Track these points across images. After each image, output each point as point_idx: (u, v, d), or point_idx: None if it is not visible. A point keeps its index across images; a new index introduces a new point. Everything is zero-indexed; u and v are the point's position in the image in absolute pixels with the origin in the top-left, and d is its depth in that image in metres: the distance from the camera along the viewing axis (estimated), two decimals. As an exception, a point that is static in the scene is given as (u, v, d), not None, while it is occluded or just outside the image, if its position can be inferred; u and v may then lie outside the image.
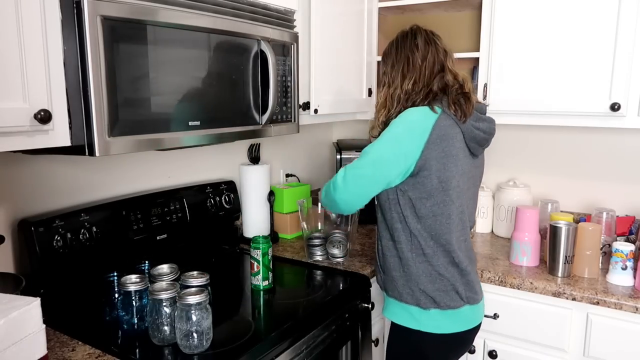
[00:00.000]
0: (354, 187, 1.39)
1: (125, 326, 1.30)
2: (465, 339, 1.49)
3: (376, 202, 1.51)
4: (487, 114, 1.48)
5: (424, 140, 1.34)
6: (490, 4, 1.92)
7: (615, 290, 1.59)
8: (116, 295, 1.35)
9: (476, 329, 1.50)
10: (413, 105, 1.42)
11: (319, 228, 1.92)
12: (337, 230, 1.86)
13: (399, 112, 1.43)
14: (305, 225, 1.89)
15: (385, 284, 1.51)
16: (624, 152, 2.04)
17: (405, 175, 1.37)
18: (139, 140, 1.20)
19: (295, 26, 1.72)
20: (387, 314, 1.53)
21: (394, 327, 1.50)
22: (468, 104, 1.39)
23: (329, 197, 1.46)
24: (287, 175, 2.33)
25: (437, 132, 1.34)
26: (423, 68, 1.44)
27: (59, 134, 1.09)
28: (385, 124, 1.45)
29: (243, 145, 2.11)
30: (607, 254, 1.72)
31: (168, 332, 1.22)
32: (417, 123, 1.35)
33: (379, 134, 1.43)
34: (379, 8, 2.22)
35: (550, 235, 1.73)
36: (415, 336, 1.44)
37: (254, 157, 2.06)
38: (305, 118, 1.86)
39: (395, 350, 1.51)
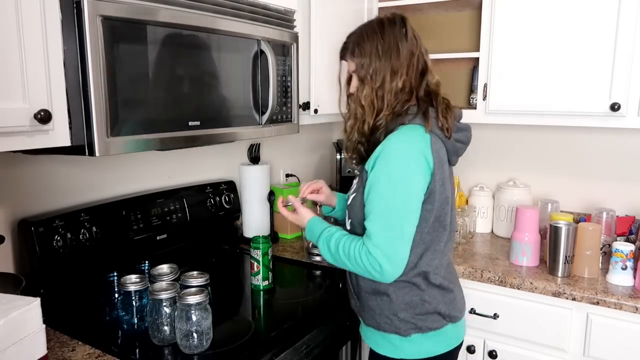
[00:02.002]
0: (401, 257, 1.18)
1: (125, 326, 1.30)
2: (448, 359, 1.35)
3: (347, 218, 1.35)
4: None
5: (430, 170, 1.20)
6: (490, 4, 1.92)
7: (615, 290, 1.59)
8: (116, 295, 1.35)
9: (459, 347, 1.38)
10: (393, 110, 1.23)
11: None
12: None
13: (386, 123, 1.23)
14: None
15: (361, 311, 1.37)
16: (624, 152, 2.04)
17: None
18: (139, 140, 1.20)
19: (295, 26, 1.72)
20: (366, 340, 1.39)
21: (373, 354, 1.35)
22: (451, 115, 1.26)
23: (370, 277, 1.22)
24: (287, 175, 2.33)
25: (436, 158, 1.20)
26: (412, 64, 1.24)
27: (59, 134, 1.09)
28: (371, 129, 1.24)
29: (243, 145, 2.11)
30: (607, 254, 1.72)
31: (168, 332, 1.22)
32: (420, 152, 1.18)
33: (360, 141, 1.27)
34: (379, 8, 2.22)
35: (550, 235, 1.73)
36: None
37: (254, 157, 2.06)
38: (305, 118, 1.86)
39: None
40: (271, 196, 2.05)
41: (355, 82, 1.29)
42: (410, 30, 1.26)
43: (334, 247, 1.24)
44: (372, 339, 1.35)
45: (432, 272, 1.27)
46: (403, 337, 1.27)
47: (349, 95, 1.33)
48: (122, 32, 1.13)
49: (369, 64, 1.24)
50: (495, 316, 1.75)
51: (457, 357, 1.39)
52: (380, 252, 1.16)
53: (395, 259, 1.17)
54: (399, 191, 1.17)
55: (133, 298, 1.29)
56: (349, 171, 2.34)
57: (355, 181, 1.35)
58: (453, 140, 1.26)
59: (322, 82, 1.91)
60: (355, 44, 1.27)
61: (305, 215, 1.37)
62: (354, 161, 1.36)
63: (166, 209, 1.72)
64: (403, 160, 1.17)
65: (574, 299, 1.61)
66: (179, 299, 1.18)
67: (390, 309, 1.27)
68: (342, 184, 2.38)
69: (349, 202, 1.34)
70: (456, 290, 1.36)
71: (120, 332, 1.30)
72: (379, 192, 1.18)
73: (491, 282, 1.74)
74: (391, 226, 1.17)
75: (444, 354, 1.31)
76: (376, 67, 1.23)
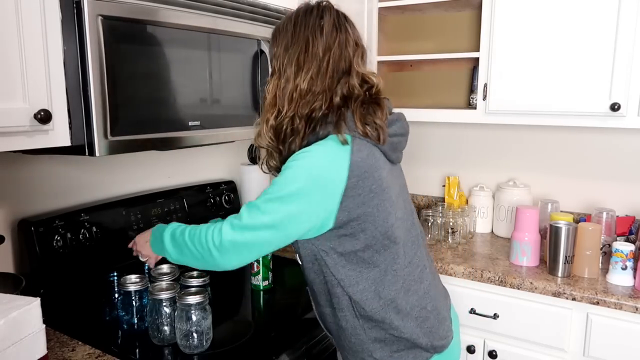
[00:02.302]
0: (244, 253, 1.06)
1: (125, 326, 1.30)
2: None
3: (299, 261, 1.18)
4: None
5: (339, 192, 1.03)
6: (490, 4, 1.92)
7: (615, 290, 1.59)
8: (116, 295, 1.35)
9: None
10: (310, 115, 1.07)
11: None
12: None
13: (293, 124, 1.07)
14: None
15: (337, 345, 1.23)
16: (624, 152, 2.04)
17: (319, 232, 1.06)
18: (139, 140, 1.20)
19: (295, 26, 1.71)
20: None
21: None
22: (379, 115, 1.08)
23: (194, 253, 1.09)
24: (287, 175, 2.33)
25: (356, 172, 1.03)
26: (325, 62, 1.06)
27: (59, 134, 1.09)
28: (276, 133, 1.10)
29: (243, 145, 2.11)
30: (607, 254, 1.72)
31: (168, 332, 1.22)
32: (327, 172, 1.02)
33: (269, 147, 1.13)
34: (379, 8, 2.22)
35: (550, 235, 1.73)
36: None
37: (254, 157, 2.06)
38: (305, 118, 1.86)
39: None
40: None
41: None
42: (330, 22, 1.09)
43: (178, 234, 1.13)
44: None
45: (400, 298, 1.11)
46: None
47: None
48: (122, 32, 1.13)
49: (278, 55, 1.10)
50: (495, 316, 1.75)
51: None
52: (232, 233, 1.05)
53: (239, 249, 1.05)
54: (288, 198, 1.04)
55: (133, 298, 1.30)
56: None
57: None
58: (388, 138, 1.11)
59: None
60: (275, 30, 1.14)
61: (146, 234, 1.25)
62: (270, 171, 1.21)
63: (166, 209, 1.72)
64: (307, 175, 1.03)
65: (574, 299, 1.61)
66: (179, 299, 1.18)
67: (363, 349, 1.13)
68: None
69: None
70: (436, 314, 1.17)
71: (120, 332, 1.30)
72: (271, 189, 1.07)
73: (491, 282, 1.74)
74: (257, 221, 1.05)
75: None
76: (283, 61, 1.09)
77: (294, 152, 1.08)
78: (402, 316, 1.12)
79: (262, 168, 1.22)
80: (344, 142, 1.03)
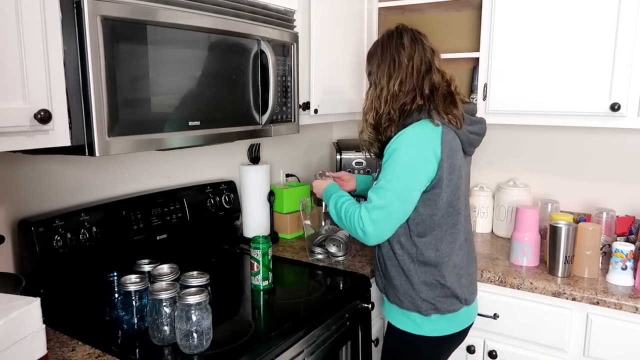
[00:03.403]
0: (385, 227, 1.35)
1: (125, 326, 1.30)
2: (461, 336, 1.52)
3: None
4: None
5: (437, 160, 1.34)
6: (490, 4, 1.92)
7: (615, 290, 1.59)
8: (116, 295, 1.35)
9: (470, 326, 1.53)
10: (403, 108, 1.39)
11: (321, 227, 1.92)
12: (338, 229, 1.86)
13: (389, 115, 1.40)
14: (307, 224, 1.89)
15: (386, 289, 1.52)
16: (624, 152, 2.04)
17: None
18: (139, 140, 1.20)
19: (295, 26, 1.72)
20: (387, 316, 1.54)
21: (393, 328, 1.51)
22: (456, 108, 1.38)
23: (347, 227, 1.42)
24: (287, 175, 2.33)
25: (446, 148, 1.34)
26: (410, 67, 1.40)
27: (59, 134, 1.09)
28: (375, 128, 1.43)
29: (243, 145, 2.11)
30: (607, 254, 1.72)
31: (168, 332, 1.22)
32: (427, 144, 1.34)
33: (370, 139, 1.45)
34: (379, 8, 2.22)
35: (550, 235, 1.73)
36: (414, 338, 1.46)
37: (254, 157, 2.06)
38: (305, 118, 1.86)
39: (393, 348, 1.53)
40: (271, 196, 2.05)
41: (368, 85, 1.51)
42: (409, 38, 1.42)
43: (339, 205, 1.44)
44: (394, 315, 1.50)
45: (450, 255, 1.41)
46: (424, 316, 1.43)
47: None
48: (122, 32, 1.13)
49: (373, 72, 1.46)
50: (495, 316, 1.75)
51: (467, 333, 1.54)
52: (369, 216, 1.33)
53: (379, 226, 1.34)
54: (400, 174, 1.33)
55: (133, 298, 1.29)
56: (349, 171, 2.34)
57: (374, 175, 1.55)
58: (466, 132, 1.40)
59: (322, 82, 1.91)
60: (368, 54, 1.49)
61: (326, 183, 1.59)
62: (372, 155, 1.54)
63: (166, 209, 1.72)
64: (408, 151, 1.33)
65: (574, 299, 1.61)
66: (179, 299, 1.18)
67: (414, 289, 1.42)
68: (342, 184, 2.37)
69: None
70: (472, 274, 1.51)
71: (120, 332, 1.30)
72: (385, 173, 1.35)
73: (491, 282, 1.74)
74: (385, 199, 1.33)
75: (458, 333, 1.47)
76: (376, 76, 1.44)
77: (390, 137, 1.38)
78: (448, 268, 1.42)
79: (366, 155, 1.57)
80: (437, 125, 1.34)
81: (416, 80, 1.39)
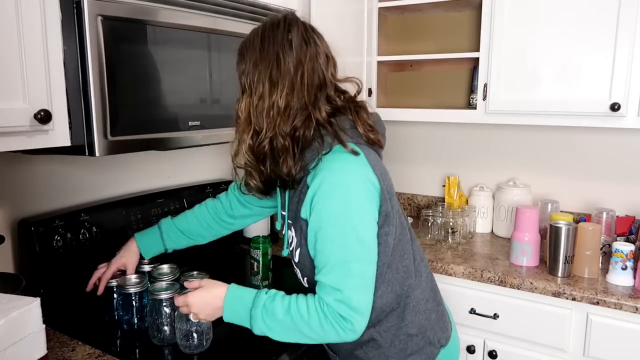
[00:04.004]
0: (365, 305, 1.00)
1: (125, 326, 1.30)
2: None
3: (301, 277, 1.21)
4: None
5: (378, 193, 1.04)
6: (490, 4, 1.92)
7: (615, 290, 1.59)
8: (116, 296, 1.35)
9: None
10: (294, 134, 1.02)
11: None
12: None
13: (271, 140, 1.02)
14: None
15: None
16: (624, 152, 2.04)
17: None
18: (139, 140, 1.20)
19: (295, 26, 1.71)
20: None
21: None
22: (367, 116, 1.10)
23: (341, 341, 1.02)
24: (287, 175, 2.33)
25: (379, 173, 1.05)
26: (298, 77, 1.02)
27: (59, 134, 1.09)
28: (255, 152, 1.05)
29: (243, 145, 2.11)
30: (607, 254, 1.72)
31: (168, 332, 1.22)
32: (364, 177, 1.01)
33: (248, 166, 1.08)
34: (379, 8, 2.22)
35: (550, 235, 1.73)
36: None
37: (254, 157, 2.06)
38: (305, 118, 1.86)
39: None
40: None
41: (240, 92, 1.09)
42: (299, 35, 1.04)
43: (283, 313, 1.01)
44: None
45: (416, 296, 1.14)
46: None
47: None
48: (122, 32, 1.13)
49: (247, 72, 1.05)
50: (495, 316, 1.75)
51: None
52: (347, 307, 0.98)
53: (363, 310, 0.99)
54: (350, 232, 0.98)
55: (133, 298, 1.29)
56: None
57: (290, 235, 1.14)
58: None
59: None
60: (242, 46, 1.08)
61: (214, 289, 1.08)
62: (250, 193, 1.16)
63: (166, 209, 1.71)
64: (347, 194, 0.99)
65: (574, 299, 1.61)
66: (179, 299, 1.18)
67: (380, 355, 1.13)
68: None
69: (297, 260, 1.15)
70: (436, 306, 1.21)
71: (120, 332, 1.30)
72: (328, 238, 0.99)
73: (491, 282, 1.74)
74: (351, 274, 0.98)
75: None
76: (254, 78, 1.04)
77: (288, 173, 1.03)
78: (414, 312, 1.13)
79: (241, 189, 1.18)
80: (355, 153, 1.02)
81: (307, 96, 1.03)
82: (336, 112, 1.07)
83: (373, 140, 1.08)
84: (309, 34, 1.06)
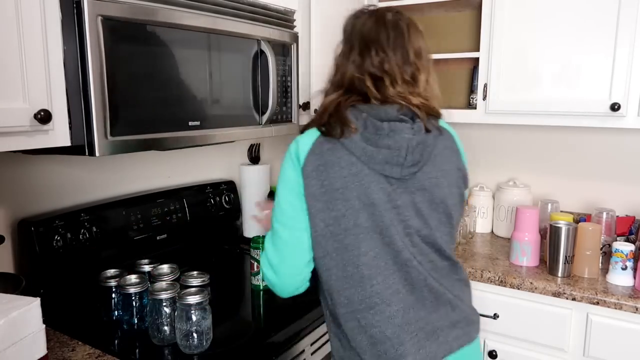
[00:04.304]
0: (277, 258, 1.11)
1: (125, 326, 1.30)
2: None
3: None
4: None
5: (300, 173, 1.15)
6: (490, 4, 1.92)
7: (615, 290, 1.59)
8: (116, 296, 1.35)
9: None
10: None
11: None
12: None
13: None
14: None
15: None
16: (624, 152, 2.04)
17: None
18: (139, 140, 1.20)
19: (295, 26, 1.72)
20: None
21: None
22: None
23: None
24: (287, 175, 2.33)
25: (312, 158, 1.14)
26: None
27: (59, 134, 1.09)
28: None
29: (243, 145, 2.11)
30: (607, 254, 1.72)
31: (168, 332, 1.22)
32: (291, 156, 1.15)
33: None
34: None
35: (550, 235, 1.73)
36: None
37: (254, 157, 2.06)
38: (305, 118, 1.86)
39: None
40: (271, 196, 2.05)
41: None
42: None
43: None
44: None
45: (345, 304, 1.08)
46: None
47: None
48: (122, 32, 1.13)
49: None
50: (495, 316, 1.75)
51: None
52: (263, 255, 1.12)
53: (272, 263, 1.10)
54: (277, 195, 1.12)
55: (133, 298, 1.29)
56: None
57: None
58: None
59: (322, 82, 1.90)
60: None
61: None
62: None
63: (166, 209, 1.72)
64: (283, 163, 1.12)
65: (574, 299, 1.61)
66: (179, 299, 1.18)
67: None
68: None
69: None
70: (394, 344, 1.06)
71: (120, 332, 1.30)
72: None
73: (491, 282, 1.74)
74: (272, 230, 1.13)
75: None
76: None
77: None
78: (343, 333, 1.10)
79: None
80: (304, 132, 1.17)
81: None
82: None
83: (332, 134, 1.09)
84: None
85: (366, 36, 1.15)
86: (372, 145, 1.06)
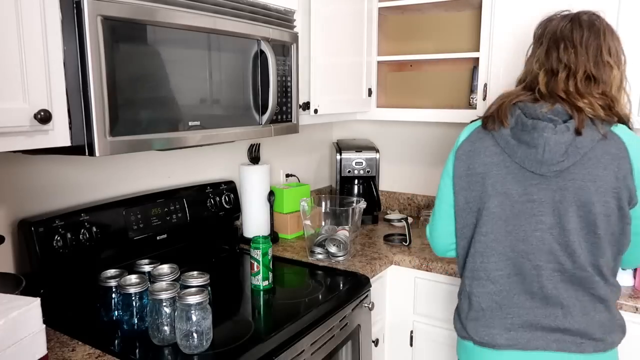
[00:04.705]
0: (433, 225, 1.40)
1: (125, 326, 1.30)
2: None
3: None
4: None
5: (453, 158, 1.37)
6: (490, 4, 1.92)
7: (615, 290, 1.59)
8: (116, 296, 1.35)
9: None
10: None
11: (321, 227, 1.92)
12: (339, 229, 1.86)
13: None
14: (307, 224, 1.89)
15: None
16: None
17: None
18: (139, 140, 1.20)
19: (295, 26, 1.72)
20: None
21: None
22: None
23: None
24: (287, 175, 2.33)
25: (464, 149, 1.35)
26: None
27: (59, 134, 1.09)
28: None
29: (243, 145, 2.11)
30: (607, 254, 1.72)
31: (168, 332, 1.22)
32: (455, 145, 1.36)
33: None
34: (379, 8, 2.22)
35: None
36: None
37: (254, 157, 2.06)
38: (305, 118, 1.86)
39: None
40: (271, 196, 2.05)
41: None
42: None
43: None
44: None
45: (470, 272, 1.29)
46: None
47: None
48: (122, 32, 1.13)
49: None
50: (495, 316, 1.75)
51: None
52: (428, 225, 1.41)
53: (431, 231, 1.40)
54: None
55: (133, 298, 1.29)
56: (349, 171, 2.34)
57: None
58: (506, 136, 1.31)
59: (322, 82, 1.91)
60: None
61: None
62: None
63: (166, 209, 1.72)
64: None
65: (574, 299, 1.60)
66: (179, 299, 1.18)
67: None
68: (342, 184, 2.37)
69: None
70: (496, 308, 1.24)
71: (120, 332, 1.30)
72: None
73: (491, 282, 1.74)
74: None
75: None
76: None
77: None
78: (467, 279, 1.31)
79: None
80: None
81: None
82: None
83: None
84: None
85: (558, 34, 1.21)
86: (515, 139, 1.18)
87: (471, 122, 1.31)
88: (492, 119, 1.22)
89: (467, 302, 1.29)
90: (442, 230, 1.35)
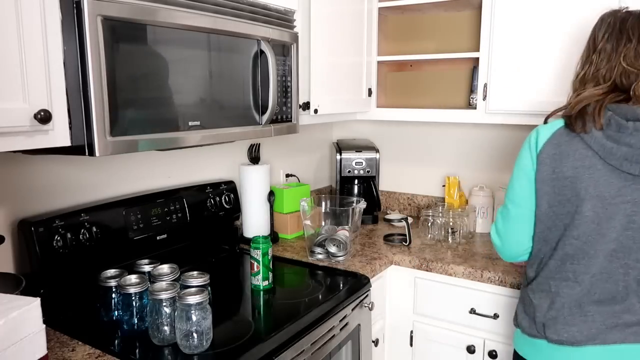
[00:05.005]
0: (504, 228, 1.37)
1: (126, 326, 1.30)
2: None
3: None
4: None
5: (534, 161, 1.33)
6: (490, 4, 1.92)
7: (615, 290, 1.59)
8: (116, 296, 1.35)
9: None
10: None
11: (321, 227, 1.92)
12: (339, 229, 1.86)
13: None
14: (307, 224, 1.89)
15: None
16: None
17: None
18: (139, 140, 1.20)
19: (295, 26, 1.72)
20: None
21: None
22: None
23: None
24: (287, 175, 2.34)
25: (548, 149, 1.31)
26: None
27: (59, 134, 1.09)
28: None
29: (243, 145, 2.11)
30: (607, 254, 1.72)
31: (168, 332, 1.22)
32: (527, 145, 1.35)
33: None
34: (379, 8, 2.22)
35: (550, 235, 1.73)
36: None
37: (254, 157, 2.06)
38: (305, 118, 1.86)
39: None
40: (271, 196, 2.05)
41: None
42: None
43: None
44: None
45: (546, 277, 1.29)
46: None
47: None
48: (122, 32, 1.13)
49: None
50: (495, 316, 1.75)
51: None
52: (494, 226, 1.41)
53: (499, 233, 1.39)
54: (511, 178, 1.37)
55: (133, 298, 1.29)
56: (349, 171, 2.34)
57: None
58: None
59: (322, 82, 1.91)
60: None
61: None
62: None
63: (166, 209, 1.72)
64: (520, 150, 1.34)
65: (574, 299, 1.60)
66: (179, 299, 1.18)
67: None
68: (342, 184, 2.38)
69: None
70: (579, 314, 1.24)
71: (120, 332, 1.30)
72: None
73: (491, 282, 1.74)
74: (503, 205, 1.40)
75: None
76: None
77: None
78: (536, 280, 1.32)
79: None
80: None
81: None
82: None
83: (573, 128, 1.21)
84: None
85: None
86: (612, 141, 1.16)
87: (547, 117, 1.30)
88: (580, 121, 1.19)
89: (547, 302, 1.26)
90: (520, 236, 1.33)
